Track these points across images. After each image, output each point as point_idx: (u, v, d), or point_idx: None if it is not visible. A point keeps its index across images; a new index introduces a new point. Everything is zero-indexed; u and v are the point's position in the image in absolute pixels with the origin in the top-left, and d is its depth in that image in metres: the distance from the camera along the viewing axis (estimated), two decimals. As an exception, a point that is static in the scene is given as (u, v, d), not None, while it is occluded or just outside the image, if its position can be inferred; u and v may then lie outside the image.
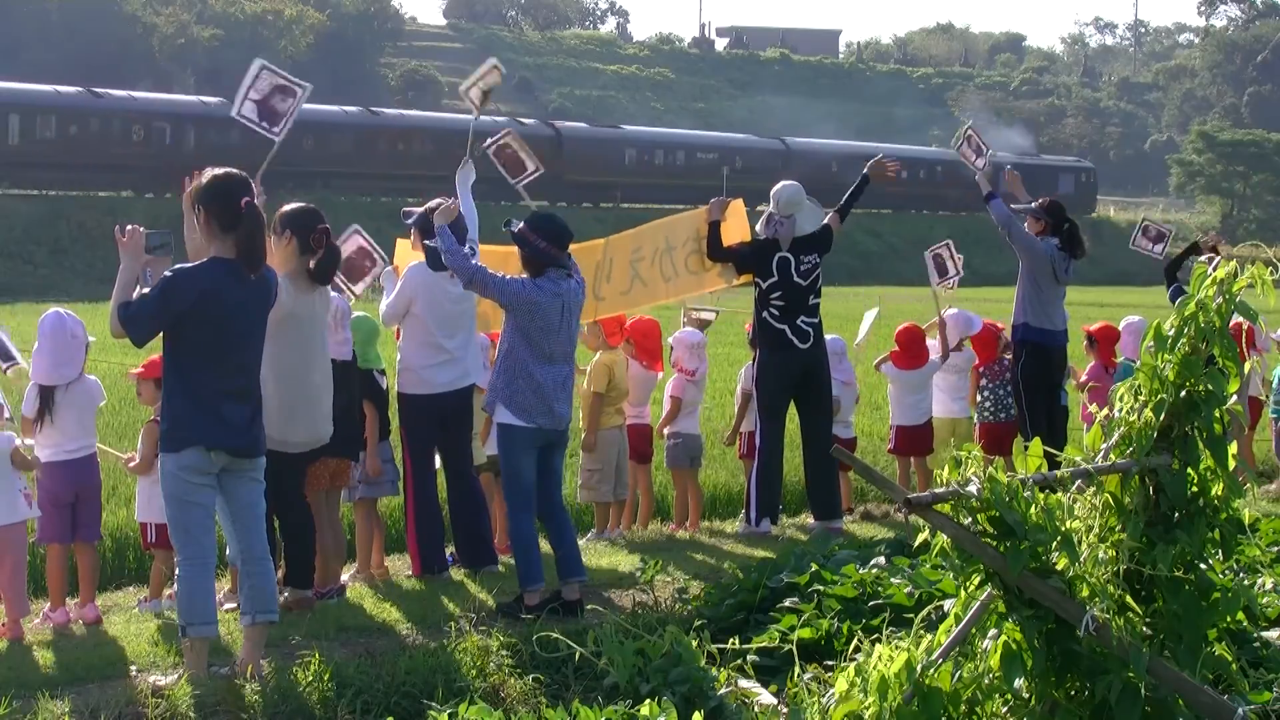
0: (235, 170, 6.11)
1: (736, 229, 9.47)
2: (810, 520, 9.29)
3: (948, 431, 10.49)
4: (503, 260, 7.96)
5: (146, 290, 5.83)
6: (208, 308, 5.77)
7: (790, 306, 9.00)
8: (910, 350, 10.43)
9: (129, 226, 6.03)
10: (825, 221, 9.25)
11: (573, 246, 7.53)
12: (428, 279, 7.81)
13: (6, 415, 7.19)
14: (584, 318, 8.82)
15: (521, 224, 7.06)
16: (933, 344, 10.52)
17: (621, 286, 9.16)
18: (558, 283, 7.01)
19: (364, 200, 50.05)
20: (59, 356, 7.29)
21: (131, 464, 7.59)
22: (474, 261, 7.18)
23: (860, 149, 62.84)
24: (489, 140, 8.97)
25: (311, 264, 6.91)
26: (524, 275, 7.11)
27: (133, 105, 47.15)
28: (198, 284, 5.78)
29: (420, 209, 7.86)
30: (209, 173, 6.05)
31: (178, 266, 5.87)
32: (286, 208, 7.06)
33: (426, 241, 7.64)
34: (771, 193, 9.23)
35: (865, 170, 9.46)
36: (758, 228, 9.27)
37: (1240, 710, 4.06)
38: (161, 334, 5.87)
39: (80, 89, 46.56)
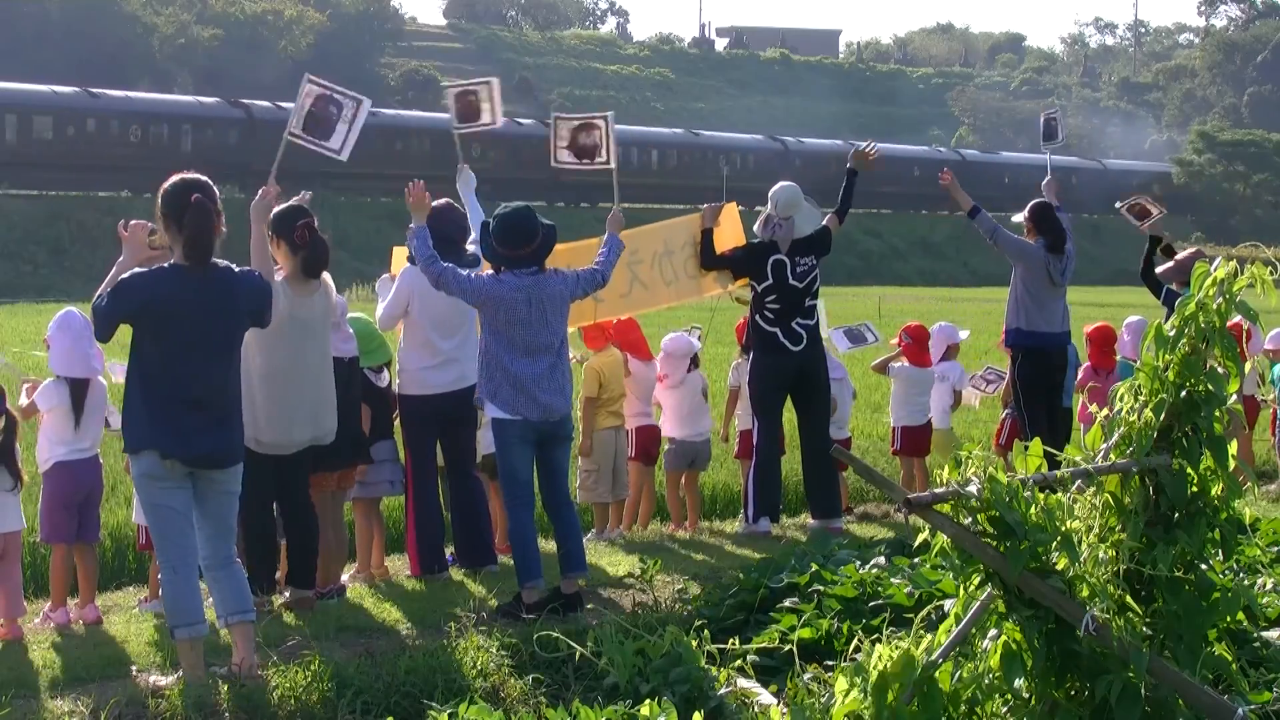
0: (192, 174, 5.97)
1: (730, 233, 9.42)
2: (810, 520, 9.28)
3: (945, 441, 10.39)
4: (579, 254, 8.02)
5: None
6: (154, 313, 5.70)
7: (785, 309, 8.96)
8: (922, 346, 10.53)
9: (133, 222, 6.03)
10: (824, 223, 9.24)
11: (568, 246, 7.48)
12: (423, 281, 7.80)
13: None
14: (583, 320, 8.83)
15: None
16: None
17: (620, 289, 9.09)
18: (522, 276, 6.97)
19: (364, 200, 50.18)
20: (95, 349, 7.25)
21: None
22: (442, 263, 7.08)
23: (1142, 170, 68.18)
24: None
25: (300, 260, 6.90)
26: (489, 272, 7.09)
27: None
28: (146, 288, 5.71)
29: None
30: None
31: (133, 270, 5.81)
32: (274, 210, 6.97)
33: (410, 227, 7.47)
34: (770, 194, 9.18)
35: (849, 164, 9.42)
36: (755, 229, 9.22)
37: (1240, 710, 4.06)
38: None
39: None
